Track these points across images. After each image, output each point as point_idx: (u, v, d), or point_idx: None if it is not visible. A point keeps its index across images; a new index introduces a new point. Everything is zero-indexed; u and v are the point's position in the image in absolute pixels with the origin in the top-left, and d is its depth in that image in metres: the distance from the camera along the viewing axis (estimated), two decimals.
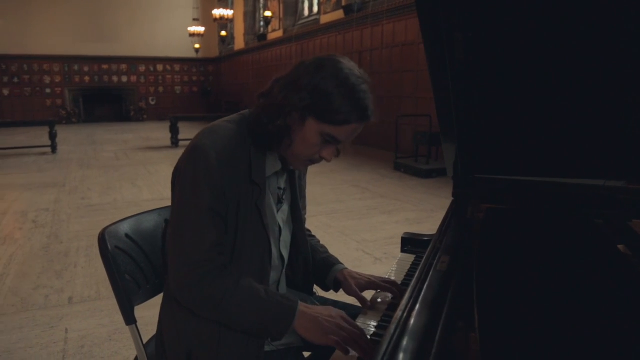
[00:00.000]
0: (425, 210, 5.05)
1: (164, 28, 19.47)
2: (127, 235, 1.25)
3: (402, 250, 1.66)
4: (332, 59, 1.06)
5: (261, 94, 1.12)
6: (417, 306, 0.79)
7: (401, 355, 0.66)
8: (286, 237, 1.25)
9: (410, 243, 1.66)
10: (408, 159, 7.80)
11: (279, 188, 1.21)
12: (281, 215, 1.22)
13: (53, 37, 17.95)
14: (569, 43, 1.14)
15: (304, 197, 1.37)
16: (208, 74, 21.27)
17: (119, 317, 2.61)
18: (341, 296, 1.51)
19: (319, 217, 4.81)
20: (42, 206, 5.27)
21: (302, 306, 1.06)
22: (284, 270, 1.25)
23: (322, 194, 5.91)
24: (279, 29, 14.89)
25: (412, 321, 0.74)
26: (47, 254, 3.73)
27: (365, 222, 4.63)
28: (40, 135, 10.15)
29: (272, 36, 15.43)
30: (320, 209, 5.15)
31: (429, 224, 4.51)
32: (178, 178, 1.07)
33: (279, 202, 1.21)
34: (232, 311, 1.03)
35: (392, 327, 0.77)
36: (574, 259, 1.01)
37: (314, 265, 1.36)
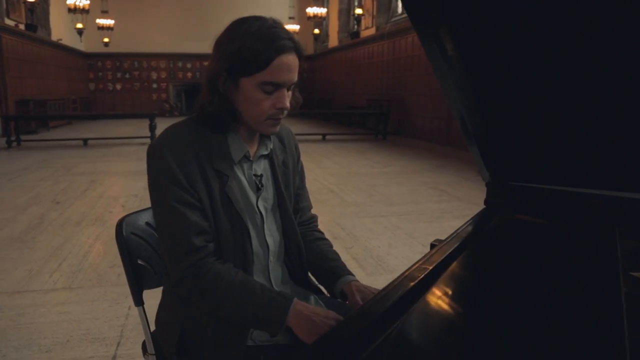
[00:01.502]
0: None
1: None
2: (147, 224, 1.34)
3: None
4: (234, 23, 1.10)
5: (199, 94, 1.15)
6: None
7: None
8: (271, 224, 1.23)
9: None
10: None
11: (255, 175, 1.20)
12: (262, 203, 1.21)
13: (160, 35, 19.42)
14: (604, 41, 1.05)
15: (302, 187, 1.36)
16: (302, 71, 20.94)
17: None
18: None
19: (390, 217, 4.76)
20: (133, 192, 5.72)
21: (299, 305, 1.06)
22: (271, 259, 1.24)
23: (397, 194, 5.83)
24: (372, 26, 14.86)
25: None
26: None
27: (436, 226, 4.50)
28: (144, 127, 10.98)
29: (364, 34, 15.43)
30: (392, 209, 5.09)
31: None
32: (149, 183, 1.12)
33: (258, 189, 1.21)
34: (226, 304, 1.06)
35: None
36: (575, 280, 0.93)
37: (321, 273, 1.32)
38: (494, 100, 1.27)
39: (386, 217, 4.75)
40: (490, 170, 1.50)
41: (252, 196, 1.19)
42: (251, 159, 1.19)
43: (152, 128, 10.26)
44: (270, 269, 1.24)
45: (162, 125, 10.26)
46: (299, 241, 1.28)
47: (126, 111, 17.69)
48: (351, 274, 1.30)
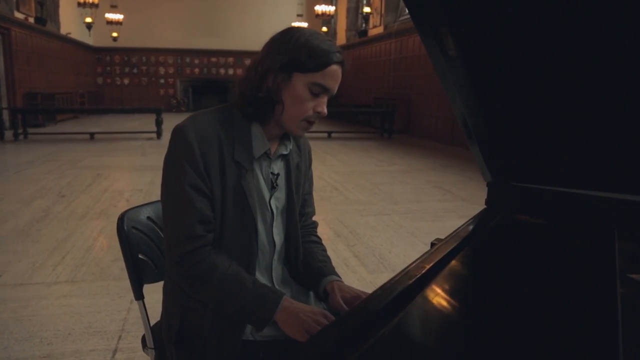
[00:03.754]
0: None
1: (269, 23, 20.14)
2: (149, 218, 1.35)
3: None
4: (292, 29, 1.15)
5: (241, 80, 1.18)
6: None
7: None
8: (279, 224, 1.25)
9: None
10: None
11: (272, 173, 1.22)
12: (275, 202, 1.23)
13: (169, 31, 19.47)
14: (606, 43, 1.04)
15: (309, 192, 1.38)
16: None
17: None
18: None
19: (393, 216, 4.76)
20: (137, 187, 5.74)
21: (286, 301, 1.08)
22: (275, 257, 1.25)
23: (401, 192, 5.83)
24: (380, 25, 14.83)
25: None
26: None
27: (439, 225, 4.50)
28: (151, 122, 11.02)
29: (372, 32, 15.41)
30: (396, 207, 5.09)
31: None
32: (165, 162, 1.13)
33: (273, 187, 1.22)
34: (217, 295, 1.08)
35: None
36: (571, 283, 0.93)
37: (308, 274, 1.33)
38: (495, 101, 1.26)
39: (389, 216, 4.75)
40: (492, 171, 1.50)
41: (267, 193, 1.21)
42: (271, 157, 1.21)
43: (159, 123, 10.30)
44: (273, 267, 1.25)
45: (168, 120, 10.31)
46: (298, 245, 1.30)
47: (133, 106, 17.78)
48: (337, 274, 1.30)
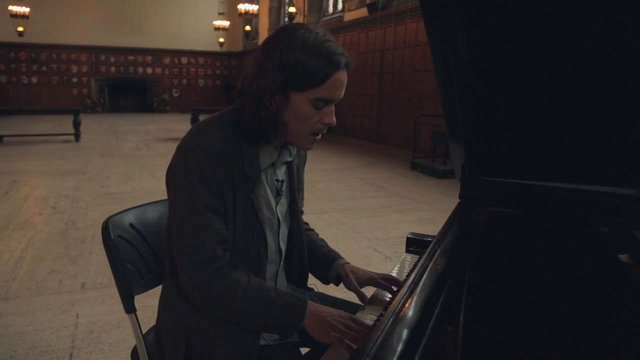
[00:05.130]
0: (439, 210, 5.01)
1: (189, 21, 19.66)
2: (131, 225, 1.27)
3: (407, 251, 1.66)
4: (284, 32, 1.05)
5: (237, 94, 1.10)
6: (410, 309, 0.78)
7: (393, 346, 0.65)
8: (284, 230, 1.25)
9: (415, 243, 1.65)
10: (425, 159, 7.75)
11: (277, 180, 1.20)
12: (280, 209, 1.22)
13: (82, 27, 18.32)
14: (578, 44, 1.12)
15: (302, 189, 1.37)
16: (231, 68, 21.41)
17: None
18: (339, 292, 1.51)
19: (332, 213, 4.81)
20: (62, 193, 5.38)
21: (312, 305, 1.07)
22: (282, 263, 1.25)
23: (336, 190, 5.91)
24: None
25: (404, 318, 0.74)
26: (64, 239, 3.81)
27: (378, 220, 4.62)
28: (65, 124, 10.36)
29: None
30: (334, 205, 5.15)
31: (441, 224, 4.42)
32: (173, 181, 1.07)
33: (278, 194, 1.21)
34: (243, 311, 1.04)
35: (385, 320, 0.77)
36: (571, 266, 1.00)
37: (315, 259, 1.36)
38: (478, 98, 1.32)
39: (329, 213, 4.81)
40: (464, 167, 1.57)
41: (273, 202, 1.19)
42: (275, 164, 1.18)
43: (77, 124, 9.70)
44: (278, 275, 1.25)
45: (85, 121, 9.72)
46: (302, 247, 1.30)
47: (43, 106, 16.57)
48: (342, 258, 1.36)
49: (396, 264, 1.54)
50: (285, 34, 1.04)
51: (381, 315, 1.15)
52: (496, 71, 1.22)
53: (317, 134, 1.11)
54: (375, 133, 11.09)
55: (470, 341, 0.65)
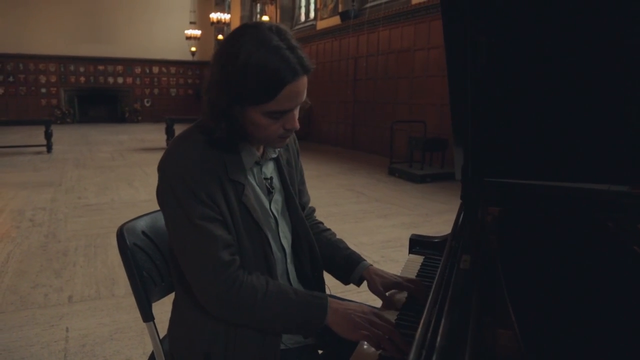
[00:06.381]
0: (420, 214, 5.08)
1: (160, 30, 19.45)
2: (143, 233, 1.26)
3: (411, 252, 1.67)
4: (233, 41, 1.00)
5: (203, 104, 1.10)
6: (446, 305, 0.80)
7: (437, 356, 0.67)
8: (284, 227, 1.23)
9: (419, 244, 1.67)
10: (402, 164, 7.84)
11: (265, 178, 1.20)
12: (274, 206, 1.21)
13: (49, 36, 17.90)
14: (577, 45, 1.16)
15: (303, 182, 1.36)
16: (203, 77, 21.18)
17: (120, 316, 2.63)
18: (353, 295, 1.52)
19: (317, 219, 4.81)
20: (39, 205, 5.24)
21: (333, 303, 1.06)
22: (288, 260, 1.23)
23: (317, 197, 5.92)
24: None
25: (443, 320, 0.75)
26: (46, 252, 3.71)
27: (362, 226, 4.65)
28: (35, 135, 10.11)
29: None
30: (318, 212, 5.07)
31: (425, 227, 4.53)
32: (162, 201, 1.07)
33: (269, 192, 1.20)
34: (265, 315, 1.04)
35: (423, 327, 0.79)
36: (594, 259, 1.03)
37: (337, 262, 1.34)
38: (486, 101, 1.36)
39: None
40: (466, 168, 1.60)
41: (265, 200, 1.18)
42: (260, 162, 1.17)
43: (49, 136, 9.47)
44: (288, 272, 1.23)
45: (56, 132, 9.49)
46: (310, 238, 1.27)
47: (10, 118, 16.08)
48: (365, 260, 1.35)
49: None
50: (235, 40, 1.00)
51: (403, 314, 1.17)
52: (503, 74, 1.25)
53: (284, 137, 1.10)
54: (351, 140, 11.17)
55: (528, 335, 0.68)
